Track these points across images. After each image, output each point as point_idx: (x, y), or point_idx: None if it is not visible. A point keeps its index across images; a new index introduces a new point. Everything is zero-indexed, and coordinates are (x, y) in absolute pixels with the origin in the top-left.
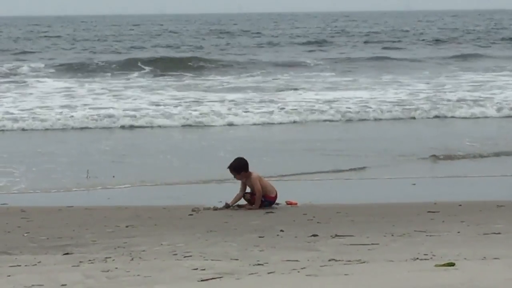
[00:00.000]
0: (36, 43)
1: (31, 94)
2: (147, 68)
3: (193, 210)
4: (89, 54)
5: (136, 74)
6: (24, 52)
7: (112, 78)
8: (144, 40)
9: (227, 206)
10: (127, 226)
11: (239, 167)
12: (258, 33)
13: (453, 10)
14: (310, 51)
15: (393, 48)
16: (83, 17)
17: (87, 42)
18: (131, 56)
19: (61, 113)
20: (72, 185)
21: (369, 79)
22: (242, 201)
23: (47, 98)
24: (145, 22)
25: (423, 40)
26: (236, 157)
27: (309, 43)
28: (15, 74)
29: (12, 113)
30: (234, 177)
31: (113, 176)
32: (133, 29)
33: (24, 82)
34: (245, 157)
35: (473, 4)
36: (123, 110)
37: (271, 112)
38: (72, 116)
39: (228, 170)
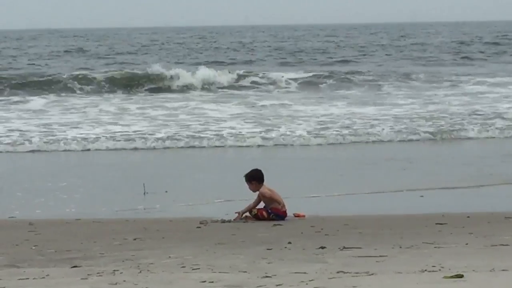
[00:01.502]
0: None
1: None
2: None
3: (201, 223)
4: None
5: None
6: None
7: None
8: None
9: (238, 216)
10: (135, 239)
11: (254, 177)
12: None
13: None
14: None
15: None
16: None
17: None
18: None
19: None
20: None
21: None
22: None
23: None
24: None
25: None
26: (253, 168)
27: None
28: None
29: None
30: (249, 187)
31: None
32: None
33: None
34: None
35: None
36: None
37: None
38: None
39: (244, 179)
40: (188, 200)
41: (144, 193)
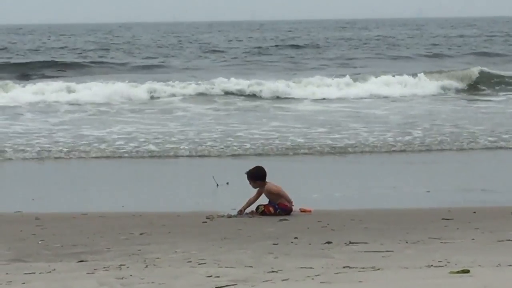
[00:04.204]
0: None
1: None
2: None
3: (207, 218)
4: None
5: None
6: None
7: None
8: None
9: (239, 213)
10: (141, 234)
11: (257, 176)
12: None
13: (468, 17)
14: None
15: None
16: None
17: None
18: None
19: None
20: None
21: None
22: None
23: None
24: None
25: None
26: (256, 165)
27: None
28: None
29: None
30: (250, 184)
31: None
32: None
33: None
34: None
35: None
36: None
37: None
38: None
39: (246, 176)
40: None
41: (217, 185)
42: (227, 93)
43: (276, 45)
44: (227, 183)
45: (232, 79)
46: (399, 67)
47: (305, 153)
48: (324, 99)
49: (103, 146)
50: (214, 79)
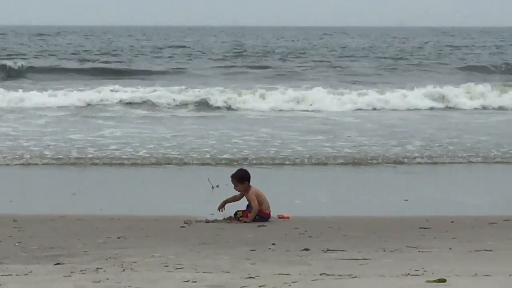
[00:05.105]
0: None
1: None
2: None
3: (185, 222)
4: None
5: None
6: None
7: None
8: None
9: (220, 208)
10: (119, 237)
11: (245, 177)
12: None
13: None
14: None
15: None
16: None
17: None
18: None
19: None
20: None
21: None
22: (228, 210)
23: None
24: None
25: None
26: (239, 168)
27: None
28: None
29: None
30: (234, 187)
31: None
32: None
33: None
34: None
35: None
36: None
37: None
38: None
39: (231, 179)
40: None
41: (212, 187)
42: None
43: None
44: (217, 186)
45: None
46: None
47: (285, 164)
48: None
49: (84, 151)
50: None
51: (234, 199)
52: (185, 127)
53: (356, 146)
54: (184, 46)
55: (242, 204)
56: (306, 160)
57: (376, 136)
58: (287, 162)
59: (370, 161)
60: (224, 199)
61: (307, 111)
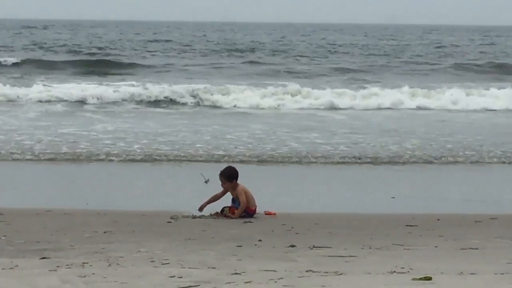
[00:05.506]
0: None
1: None
2: None
3: (171, 218)
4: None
5: None
6: None
7: None
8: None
9: (201, 208)
10: (105, 232)
11: (233, 175)
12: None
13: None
14: None
15: None
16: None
17: None
18: None
19: None
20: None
21: None
22: (215, 206)
23: None
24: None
25: None
26: (227, 165)
27: None
28: None
29: None
30: (222, 184)
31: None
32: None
33: None
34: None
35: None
36: None
37: None
38: None
39: (219, 176)
40: None
41: (206, 181)
42: None
43: None
44: (208, 180)
45: None
46: None
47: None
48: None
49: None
50: None
51: (215, 198)
52: (171, 123)
53: (347, 143)
54: (171, 41)
55: (228, 201)
56: (292, 158)
57: (363, 134)
58: (269, 159)
59: (359, 160)
60: (206, 199)
61: (310, 108)
